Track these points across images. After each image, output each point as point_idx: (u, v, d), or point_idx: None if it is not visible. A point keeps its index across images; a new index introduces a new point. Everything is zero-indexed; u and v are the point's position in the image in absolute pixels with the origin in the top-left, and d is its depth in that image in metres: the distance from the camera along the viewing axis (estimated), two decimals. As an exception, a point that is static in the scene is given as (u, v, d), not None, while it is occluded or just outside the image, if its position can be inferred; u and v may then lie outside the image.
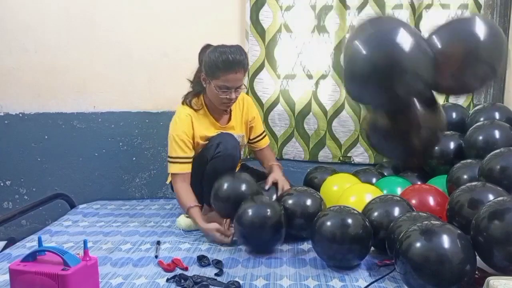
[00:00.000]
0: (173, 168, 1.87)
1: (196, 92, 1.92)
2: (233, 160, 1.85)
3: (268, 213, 1.58)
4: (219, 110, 1.92)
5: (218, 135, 1.88)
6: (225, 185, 1.73)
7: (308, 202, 1.71)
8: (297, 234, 1.71)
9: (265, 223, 1.57)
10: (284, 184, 1.88)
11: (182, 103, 1.91)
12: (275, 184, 1.89)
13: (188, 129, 1.86)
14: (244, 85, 1.88)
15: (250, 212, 1.59)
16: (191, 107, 1.89)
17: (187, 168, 1.86)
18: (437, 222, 1.26)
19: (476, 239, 1.20)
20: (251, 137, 2.10)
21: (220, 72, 1.76)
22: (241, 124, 2.03)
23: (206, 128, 1.91)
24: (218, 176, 1.78)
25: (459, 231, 1.20)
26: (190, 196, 1.82)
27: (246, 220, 1.58)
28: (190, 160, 1.87)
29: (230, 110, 1.98)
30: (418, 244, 1.18)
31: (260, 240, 1.59)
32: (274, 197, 1.84)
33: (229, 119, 1.98)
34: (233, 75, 1.77)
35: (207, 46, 1.87)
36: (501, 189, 1.37)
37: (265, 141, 2.13)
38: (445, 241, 1.16)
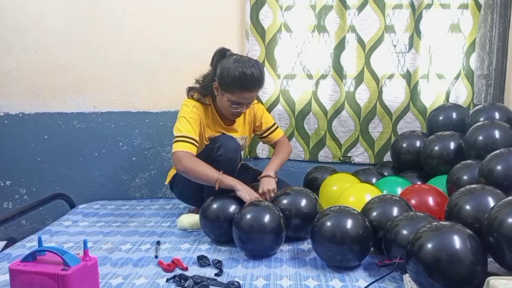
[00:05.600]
0: (184, 146, 1.75)
1: (204, 94, 1.88)
2: (233, 163, 1.84)
3: (268, 217, 1.56)
4: None
5: (219, 138, 1.87)
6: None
7: (303, 202, 1.70)
8: (293, 236, 1.71)
9: (265, 227, 1.55)
10: (263, 184, 1.82)
11: (188, 97, 1.88)
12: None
13: (198, 118, 1.83)
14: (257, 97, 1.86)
15: (249, 216, 1.57)
16: (198, 101, 1.86)
17: (195, 151, 1.79)
18: (447, 222, 1.26)
19: (487, 239, 1.19)
20: (260, 132, 2.06)
21: (236, 88, 1.73)
22: (244, 125, 2.02)
23: (210, 125, 1.91)
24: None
25: (470, 232, 1.19)
26: (209, 166, 1.74)
27: (245, 225, 1.56)
28: (197, 146, 1.82)
29: None
30: (429, 245, 1.17)
31: (260, 245, 1.58)
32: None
33: (233, 121, 1.97)
34: (249, 93, 1.75)
35: (222, 51, 1.82)
36: (500, 192, 1.36)
37: (279, 133, 2.08)
38: (457, 241, 1.16)
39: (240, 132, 2.00)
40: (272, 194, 1.79)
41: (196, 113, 1.83)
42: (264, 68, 2.26)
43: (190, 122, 1.80)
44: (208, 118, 1.90)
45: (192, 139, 1.79)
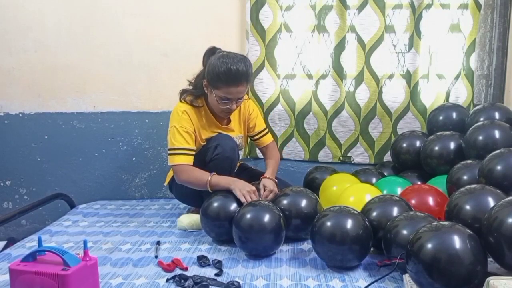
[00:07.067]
0: (178, 159, 1.81)
1: (197, 95, 1.88)
2: (231, 163, 1.84)
3: (267, 217, 1.56)
4: None
5: (216, 137, 1.87)
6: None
7: (303, 203, 1.70)
8: (294, 236, 1.71)
9: (264, 227, 1.54)
10: (265, 184, 1.82)
11: (180, 100, 1.88)
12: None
13: (190, 124, 1.84)
14: (246, 94, 1.86)
15: (248, 215, 1.57)
16: (190, 104, 1.86)
17: (191, 161, 1.82)
18: (447, 222, 1.26)
19: (487, 239, 1.19)
20: (252, 134, 2.07)
21: (221, 83, 1.74)
22: (239, 124, 2.02)
23: (205, 127, 1.90)
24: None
25: (470, 232, 1.19)
26: (203, 172, 1.78)
27: (245, 224, 1.56)
28: (193, 153, 1.84)
29: None
30: (429, 245, 1.17)
31: (259, 244, 1.57)
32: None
33: (229, 121, 1.97)
34: (235, 88, 1.75)
35: (212, 50, 1.84)
36: (500, 192, 1.36)
37: (268, 138, 2.10)
38: (457, 241, 1.16)
39: (237, 131, 2.00)
40: (272, 195, 1.78)
41: (186, 120, 1.83)
42: (264, 68, 2.29)
43: (181, 132, 1.81)
44: (202, 120, 1.89)
45: (187, 149, 1.81)
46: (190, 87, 1.92)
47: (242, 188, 1.70)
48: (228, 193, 1.73)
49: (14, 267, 1.18)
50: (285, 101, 2.36)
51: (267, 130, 2.11)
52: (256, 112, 2.07)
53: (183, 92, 1.90)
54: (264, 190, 1.80)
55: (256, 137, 2.08)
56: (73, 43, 2.38)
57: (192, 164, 1.82)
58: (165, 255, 1.59)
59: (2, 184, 2.49)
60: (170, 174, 2.07)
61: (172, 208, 2.26)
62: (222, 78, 1.73)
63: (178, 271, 1.45)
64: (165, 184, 2.11)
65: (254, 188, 1.73)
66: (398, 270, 1.35)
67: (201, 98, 1.90)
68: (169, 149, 1.84)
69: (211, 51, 1.83)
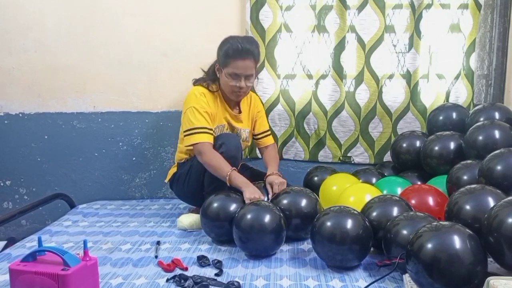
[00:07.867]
0: (200, 137, 1.83)
1: (210, 79, 1.94)
2: (235, 161, 1.85)
3: (268, 217, 1.56)
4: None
5: (221, 136, 1.90)
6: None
7: (303, 202, 1.71)
8: (294, 236, 1.72)
9: (265, 227, 1.55)
10: (274, 180, 1.87)
11: (194, 84, 1.95)
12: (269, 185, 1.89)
13: (208, 105, 1.88)
14: (257, 76, 1.91)
15: (249, 216, 1.57)
16: (206, 88, 1.92)
17: (212, 140, 1.86)
18: (447, 222, 1.25)
19: (487, 239, 1.19)
20: (255, 132, 2.13)
21: (229, 59, 1.82)
22: (248, 119, 2.07)
23: (219, 112, 1.94)
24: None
25: (470, 232, 1.19)
26: (226, 163, 1.79)
27: (245, 224, 1.56)
28: (213, 134, 1.88)
29: (239, 104, 2.02)
30: (429, 245, 1.17)
31: (260, 244, 1.57)
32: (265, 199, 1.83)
33: (240, 111, 2.02)
34: (242, 61, 1.82)
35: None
36: (500, 192, 1.36)
37: (270, 139, 2.15)
38: (457, 241, 1.16)
39: (245, 124, 2.05)
40: (282, 187, 1.83)
41: (204, 101, 1.88)
42: (264, 68, 2.29)
43: (201, 112, 1.85)
44: (217, 105, 1.94)
45: (208, 128, 1.85)
46: (204, 77, 1.98)
47: (251, 193, 1.72)
48: (227, 194, 1.74)
49: (14, 267, 1.18)
50: (285, 101, 2.36)
51: (269, 132, 2.16)
52: (263, 112, 2.14)
53: (197, 80, 1.97)
54: (272, 189, 1.84)
55: (258, 137, 2.13)
56: (73, 43, 2.38)
57: (213, 144, 1.84)
58: (165, 255, 1.59)
59: (2, 184, 2.49)
60: (171, 171, 2.07)
61: (172, 208, 2.26)
62: (229, 53, 1.82)
63: (178, 271, 1.45)
64: (166, 181, 2.11)
65: (263, 197, 1.74)
66: (398, 270, 1.35)
67: (215, 84, 1.95)
68: (189, 129, 1.85)
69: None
